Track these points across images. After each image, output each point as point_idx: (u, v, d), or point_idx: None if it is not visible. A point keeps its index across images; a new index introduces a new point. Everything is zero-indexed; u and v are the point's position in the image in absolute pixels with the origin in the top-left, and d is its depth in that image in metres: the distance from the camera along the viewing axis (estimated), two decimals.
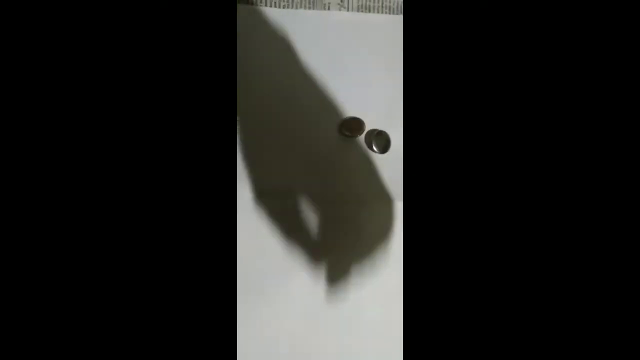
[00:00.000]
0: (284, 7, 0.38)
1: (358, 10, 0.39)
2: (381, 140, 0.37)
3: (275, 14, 0.38)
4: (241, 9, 0.37)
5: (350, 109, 0.38)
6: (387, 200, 0.37)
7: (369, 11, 0.39)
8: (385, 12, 0.39)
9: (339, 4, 0.39)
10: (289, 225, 0.37)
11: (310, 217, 0.37)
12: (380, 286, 0.38)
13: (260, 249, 0.37)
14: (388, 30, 0.38)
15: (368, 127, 0.38)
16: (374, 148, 0.37)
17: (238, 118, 0.37)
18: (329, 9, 0.39)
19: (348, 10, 0.39)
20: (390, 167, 0.38)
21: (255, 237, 0.37)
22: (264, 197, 0.37)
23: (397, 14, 0.39)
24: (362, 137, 0.38)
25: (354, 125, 0.37)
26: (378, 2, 0.39)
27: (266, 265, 0.37)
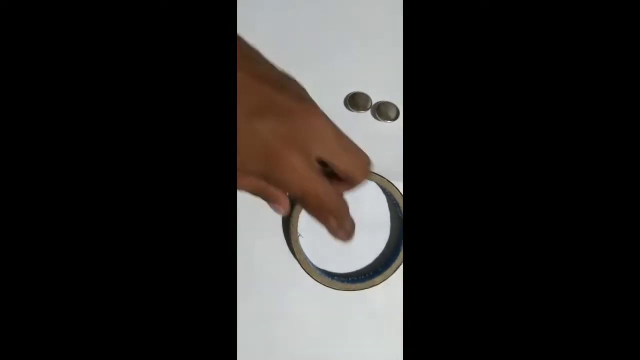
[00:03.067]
0: None
1: None
2: (389, 109, 0.36)
3: None
4: None
5: (355, 84, 0.37)
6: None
7: None
8: None
9: None
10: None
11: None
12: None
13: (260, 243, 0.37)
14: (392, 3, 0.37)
15: (374, 100, 0.37)
16: (381, 117, 0.36)
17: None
18: None
19: None
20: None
21: (255, 231, 0.37)
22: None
23: None
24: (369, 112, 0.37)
25: (360, 99, 0.36)
26: None
27: (266, 260, 0.37)
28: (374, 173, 0.37)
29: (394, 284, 0.37)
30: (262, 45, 0.36)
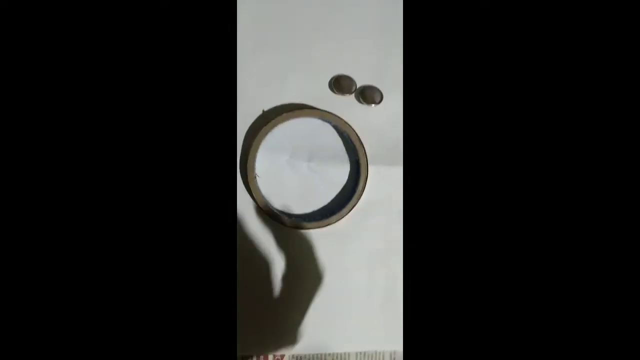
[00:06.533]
0: None
1: None
2: (373, 93, 0.37)
3: None
4: None
5: (340, 67, 0.38)
6: (385, 159, 0.38)
7: None
8: None
9: None
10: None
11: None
12: (366, 250, 0.39)
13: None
14: None
15: (359, 83, 0.37)
16: (365, 101, 0.37)
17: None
18: None
19: None
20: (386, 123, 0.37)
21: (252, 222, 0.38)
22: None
23: None
24: (353, 95, 0.38)
25: (345, 83, 0.37)
26: None
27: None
28: (331, 113, 0.37)
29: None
30: (247, 28, 0.36)
